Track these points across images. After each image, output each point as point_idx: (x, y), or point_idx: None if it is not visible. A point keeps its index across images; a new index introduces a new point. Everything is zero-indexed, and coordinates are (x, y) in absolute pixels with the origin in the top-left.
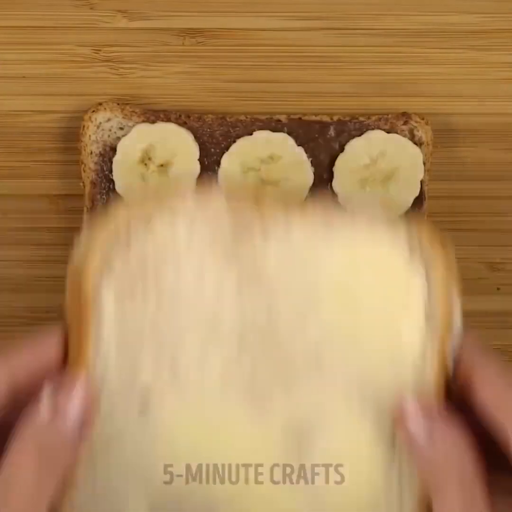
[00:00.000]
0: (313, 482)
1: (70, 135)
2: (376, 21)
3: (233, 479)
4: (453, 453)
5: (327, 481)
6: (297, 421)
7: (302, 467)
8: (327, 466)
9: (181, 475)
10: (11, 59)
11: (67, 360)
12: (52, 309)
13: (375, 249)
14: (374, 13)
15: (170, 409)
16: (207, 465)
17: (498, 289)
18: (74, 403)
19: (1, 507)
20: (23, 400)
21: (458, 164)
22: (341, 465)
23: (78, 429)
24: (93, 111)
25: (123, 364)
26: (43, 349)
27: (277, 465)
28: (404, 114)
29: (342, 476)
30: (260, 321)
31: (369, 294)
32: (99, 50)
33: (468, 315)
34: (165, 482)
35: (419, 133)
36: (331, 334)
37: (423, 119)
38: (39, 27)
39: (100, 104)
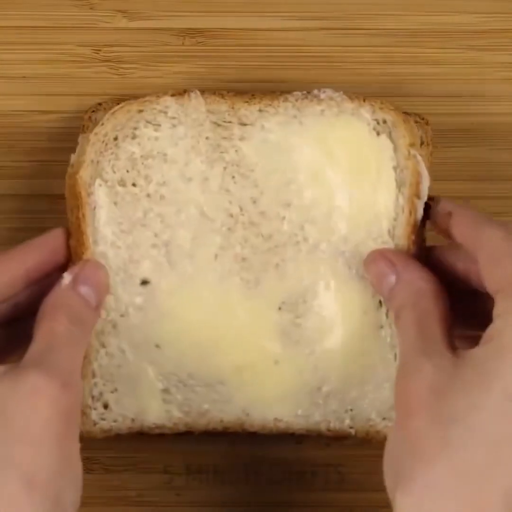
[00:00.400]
0: (311, 349)
1: (70, 135)
2: (376, 21)
3: (238, 350)
4: (412, 284)
5: (324, 347)
6: (291, 296)
7: (299, 333)
8: (321, 330)
9: (188, 350)
10: (11, 59)
11: (71, 259)
12: None
13: (344, 130)
14: (374, 13)
15: (169, 291)
16: (212, 339)
17: None
18: (90, 272)
19: (45, 357)
20: (35, 289)
21: (458, 164)
22: (335, 329)
23: (95, 295)
24: (93, 111)
25: (121, 255)
26: (50, 243)
27: (276, 334)
28: (404, 114)
29: (336, 340)
30: (246, 213)
31: (343, 172)
32: (99, 50)
33: None
34: (173, 357)
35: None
36: (313, 215)
37: (423, 119)
38: (39, 27)
39: (100, 104)
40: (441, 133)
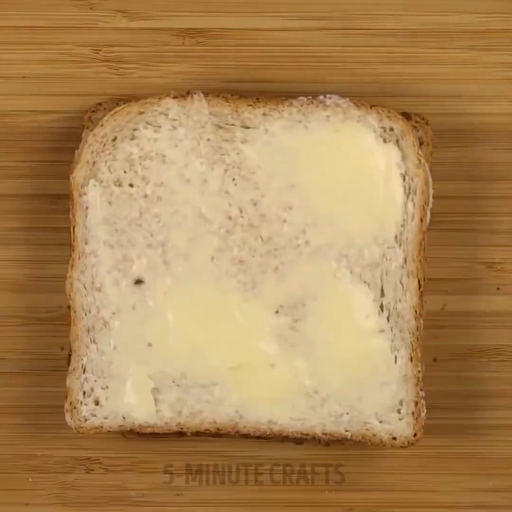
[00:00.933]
0: (309, 352)
1: (70, 135)
2: (376, 21)
3: (232, 352)
4: None
5: (323, 350)
6: (290, 299)
7: (297, 337)
8: (321, 334)
9: (181, 350)
10: (11, 59)
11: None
12: (52, 309)
13: (350, 136)
14: (374, 13)
15: (163, 291)
16: (207, 340)
17: (498, 289)
18: None
19: None
20: None
21: (458, 164)
22: (335, 333)
23: None
24: (93, 111)
25: (114, 254)
26: None
27: (273, 337)
28: (404, 114)
29: (336, 344)
30: (246, 216)
31: (348, 176)
32: (99, 50)
33: (468, 315)
34: (165, 356)
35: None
36: (316, 218)
37: (423, 119)
38: (39, 27)
39: (100, 104)
40: (441, 133)
